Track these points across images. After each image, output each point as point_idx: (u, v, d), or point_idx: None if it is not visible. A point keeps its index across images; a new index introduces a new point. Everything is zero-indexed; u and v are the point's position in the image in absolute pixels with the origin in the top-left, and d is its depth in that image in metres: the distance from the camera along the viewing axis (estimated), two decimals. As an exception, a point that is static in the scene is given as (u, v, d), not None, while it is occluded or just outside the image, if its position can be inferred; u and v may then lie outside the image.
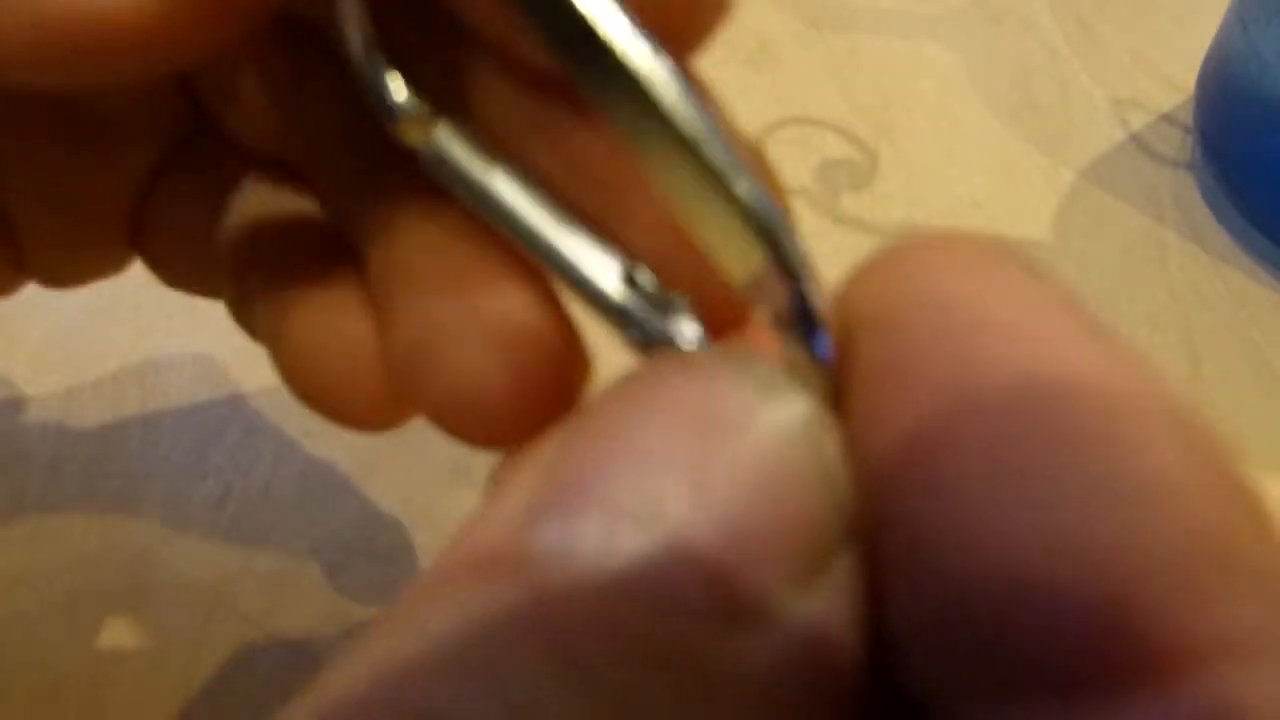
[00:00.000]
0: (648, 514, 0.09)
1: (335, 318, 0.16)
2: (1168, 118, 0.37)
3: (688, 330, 0.14)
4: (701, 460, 0.09)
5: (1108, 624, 0.08)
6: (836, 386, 0.10)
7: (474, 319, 0.14)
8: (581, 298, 0.14)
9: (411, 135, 0.14)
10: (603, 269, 0.14)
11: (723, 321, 0.14)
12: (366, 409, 0.16)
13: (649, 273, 0.14)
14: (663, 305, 0.14)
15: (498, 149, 0.14)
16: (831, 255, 0.33)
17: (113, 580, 0.26)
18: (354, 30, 0.14)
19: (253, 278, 0.17)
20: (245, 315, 0.18)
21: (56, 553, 0.27)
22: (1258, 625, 0.08)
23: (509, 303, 0.14)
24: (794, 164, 0.36)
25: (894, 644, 0.09)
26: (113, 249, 0.19)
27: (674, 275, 0.14)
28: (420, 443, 0.28)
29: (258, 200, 0.17)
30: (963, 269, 0.09)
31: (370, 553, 0.27)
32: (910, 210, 0.35)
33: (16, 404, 0.30)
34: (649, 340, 0.13)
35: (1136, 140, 0.37)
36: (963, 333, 0.09)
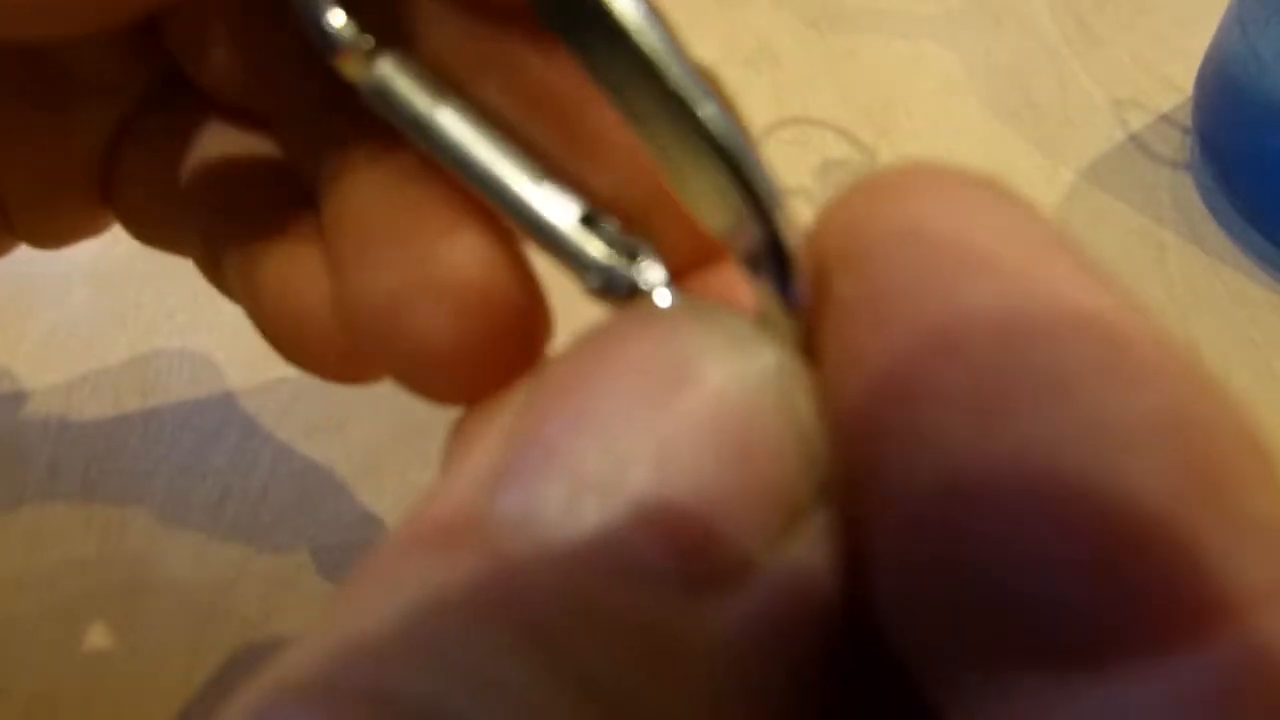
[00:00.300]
0: (610, 478, 0.08)
1: (299, 269, 0.15)
2: (1167, 118, 0.37)
3: (652, 275, 0.13)
4: (664, 420, 0.08)
5: (1123, 577, 0.07)
6: (810, 329, 0.09)
7: (426, 272, 0.13)
8: (539, 242, 0.13)
9: (352, 68, 0.14)
10: (561, 211, 0.13)
11: (689, 265, 0.14)
12: (338, 362, 0.16)
13: (610, 216, 0.13)
14: (625, 249, 0.13)
15: (447, 83, 0.14)
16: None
17: (111, 581, 0.26)
18: None
19: (220, 230, 0.17)
20: (215, 272, 0.17)
21: (55, 553, 0.27)
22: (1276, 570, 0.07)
23: (463, 254, 0.14)
24: (794, 164, 0.36)
25: (877, 606, 0.08)
26: (87, 206, 0.19)
27: (636, 216, 0.13)
28: (419, 443, 0.28)
29: (224, 152, 0.17)
30: (942, 199, 0.09)
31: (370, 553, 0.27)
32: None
33: (16, 402, 0.30)
34: (611, 287, 0.13)
35: (1135, 140, 0.37)
36: (943, 265, 0.08)
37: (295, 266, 0.15)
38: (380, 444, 0.29)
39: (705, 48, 0.39)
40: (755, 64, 0.39)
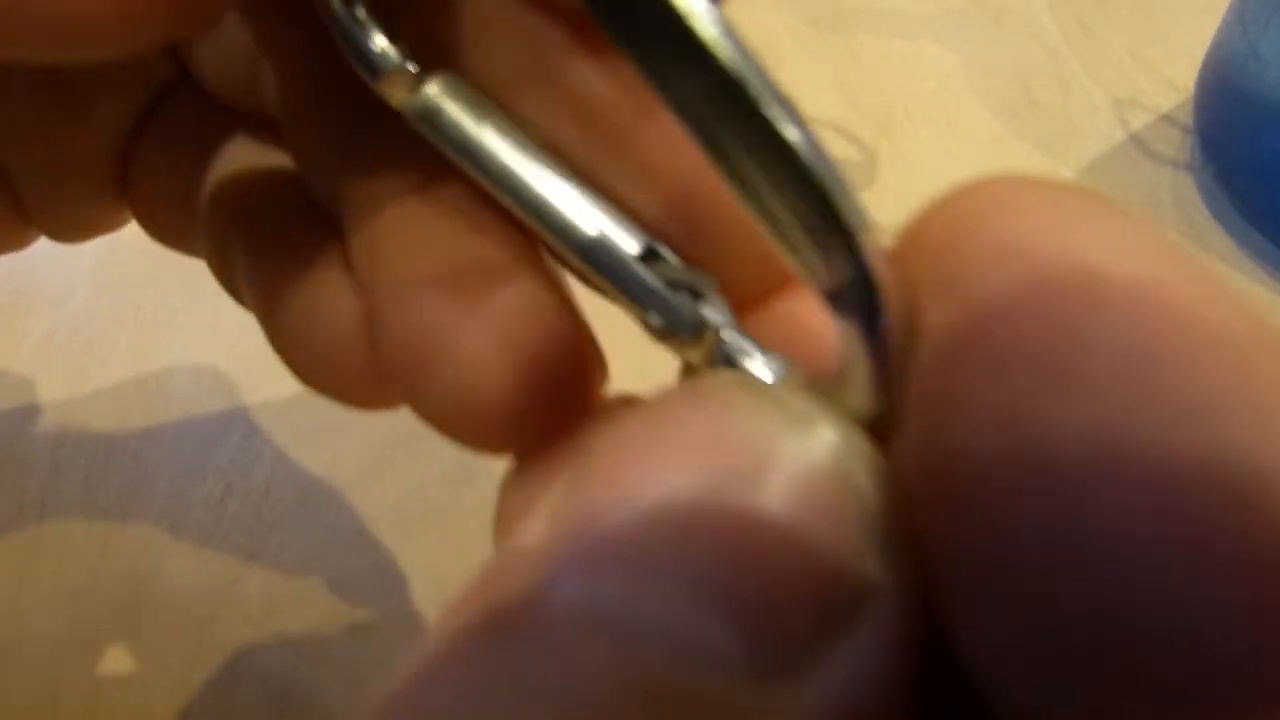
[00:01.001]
0: (669, 563, 0.08)
1: (322, 294, 0.15)
2: (1167, 118, 0.37)
3: (715, 314, 0.12)
4: (724, 504, 0.08)
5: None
6: (899, 372, 0.09)
7: (473, 317, 0.13)
8: (596, 278, 0.12)
9: (397, 94, 0.13)
10: (620, 246, 0.12)
11: (753, 297, 0.13)
12: (359, 391, 0.15)
13: (669, 250, 0.12)
14: (688, 286, 0.12)
15: (495, 105, 0.13)
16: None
17: (113, 581, 0.26)
18: None
19: (233, 240, 0.16)
20: (227, 277, 0.17)
21: (56, 552, 0.27)
22: None
23: (512, 297, 0.13)
24: (794, 164, 0.36)
25: (968, 668, 0.08)
26: (104, 200, 0.18)
27: (698, 249, 0.12)
28: (420, 443, 0.28)
29: (240, 157, 0.17)
30: (1049, 213, 0.08)
31: (370, 554, 0.27)
32: (910, 210, 0.35)
33: (19, 406, 0.30)
34: (675, 327, 0.12)
35: (1136, 140, 0.37)
36: (1062, 291, 0.07)
37: (318, 291, 0.15)
38: (383, 444, 0.29)
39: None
40: (756, 64, 0.39)
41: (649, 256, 0.12)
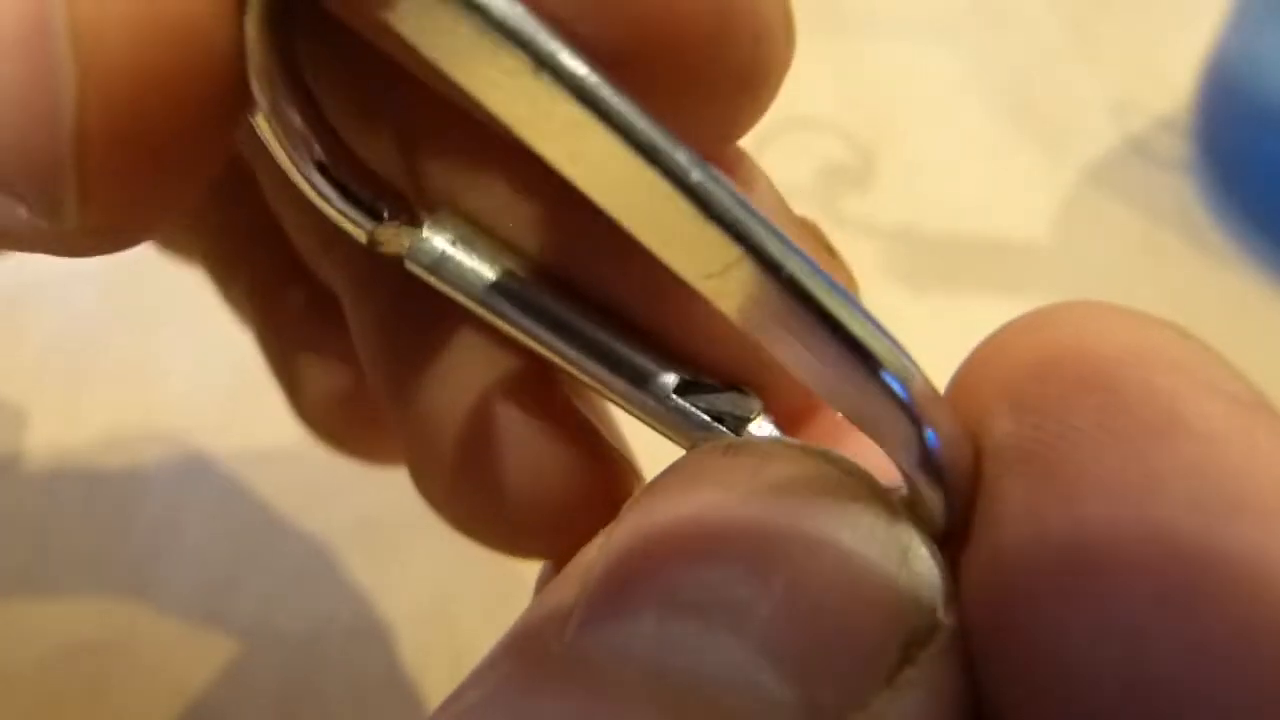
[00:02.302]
0: (707, 605, 0.08)
1: (326, 365, 0.14)
2: (1167, 120, 0.37)
3: (763, 434, 0.11)
4: (761, 552, 0.08)
5: None
6: (955, 492, 0.09)
7: (507, 449, 0.12)
8: (634, 412, 0.12)
9: (391, 244, 0.12)
10: (654, 379, 0.11)
11: (799, 416, 0.12)
12: (376, 456, 0.15)
13: (706, 375, 0.12)
14: (731, 412, 0.11)
15: (498, 240, 0.12)
16: (831, 257, 0.33)
17: (113, 582, 0.26)
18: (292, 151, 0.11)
19: (237, 282, 0.16)
20: (226, 294, 0.17)
21: (56, 553, 0.27)
22: None
23: (538, 433, 0.12)
24: (793, 166, 0.36)
25: None
26: None
27: (739, 371, 0.12)
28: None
29: (238, 198, 0.16)
30: (1129, 342, 0.08)
31: (370, 554, 0.27)
32: (909, 212, 0.35)
33: (18, 407, 0.30)
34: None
35: (1135, 142, 0.37)
36: (1137, 424, 0.07)
37: (323, 357, 0.14)
38: (381, 445, 0.29)
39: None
40: (756, 65, 0.39)
41: (687, 387, 0.12)
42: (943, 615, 0.08)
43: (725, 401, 0.12)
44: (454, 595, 0.26)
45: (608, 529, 0.09)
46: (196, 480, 0.28)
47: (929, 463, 0.08)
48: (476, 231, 0.12)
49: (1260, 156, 0.34)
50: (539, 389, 0.12)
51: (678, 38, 0.09)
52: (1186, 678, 0.07)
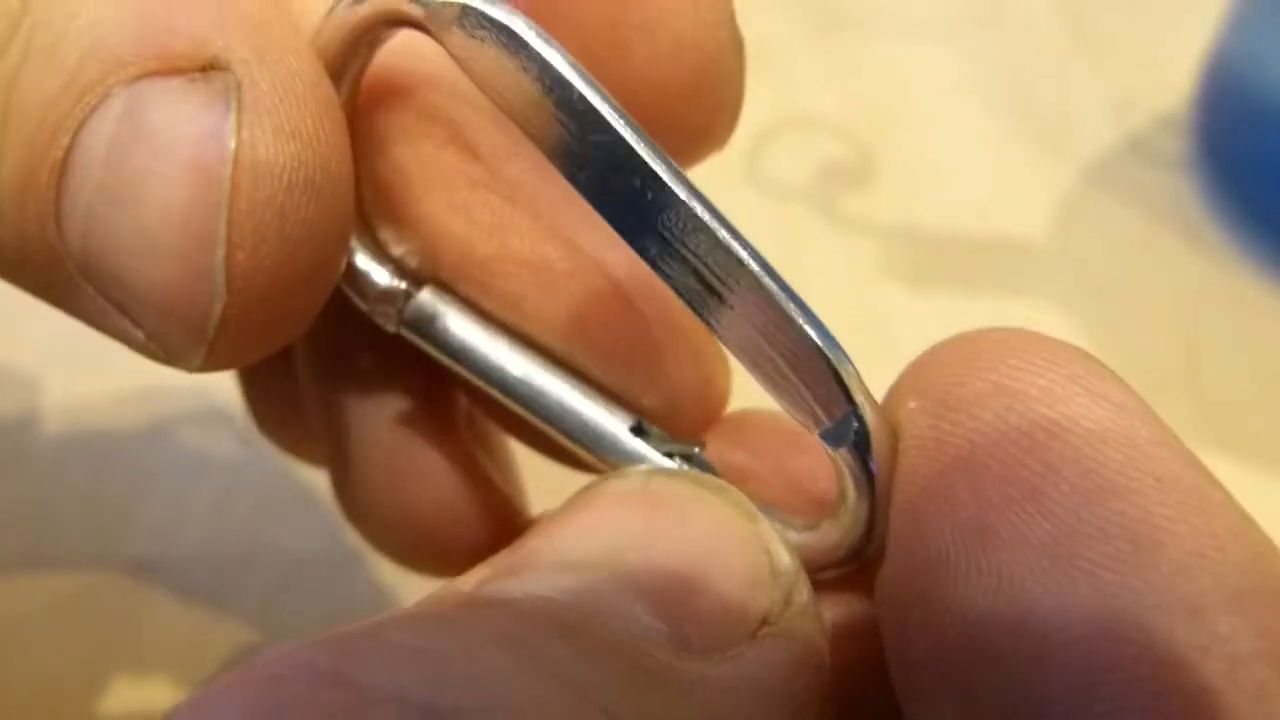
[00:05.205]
0: (595, 562, 0.10)
1: (281, 379, 0.17)
2: (1166, 119, 0.37)
3: (705, 474, 0.13)
4: (643, 529, 0.10)
5: None
6: (885, 500, 0.11)
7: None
8: (591, 455, 0.14)
9: (387, 310, 0.14)
10: (612, 425, 0.14)
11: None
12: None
13: (652, 422, 0.14)
14: (680, 452, 0.14)
15: (485, 312, 0.14)
16: (830, 257, 0.33)
17: (114, 582, 0.26)
18: None
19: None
20: None
21: (58, 552, 0.27)
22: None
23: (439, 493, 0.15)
24: (792, 165, 0.36)
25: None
26: None
27: (683, 422, 0.14)
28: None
29: None
30: (1038, 362, 0.10)
31: (370, 554, 0.27)
32: (909, 212, 0.35)
33: (20, 406, 0.30)
34: None
35: (1135, 142, 0.37)
36: (1037, 421, 0.09)
37: (275, 371, 0.17)
38: (381, 444, 0.29)
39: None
40: (754, 66, 0.39)
41: (638, 431, 0.14)
42: (797, 594, 0.10)
43: (673, 443, 0.14)
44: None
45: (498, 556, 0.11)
46: (199, 478, 0.28)
47: (861, 442, 0.11)
48: (458, 301, 0.14)
49: (1260, 155, 0.34)
50: (439, 433, 0.15)
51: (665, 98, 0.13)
52: (1062, 628, 0.08)
